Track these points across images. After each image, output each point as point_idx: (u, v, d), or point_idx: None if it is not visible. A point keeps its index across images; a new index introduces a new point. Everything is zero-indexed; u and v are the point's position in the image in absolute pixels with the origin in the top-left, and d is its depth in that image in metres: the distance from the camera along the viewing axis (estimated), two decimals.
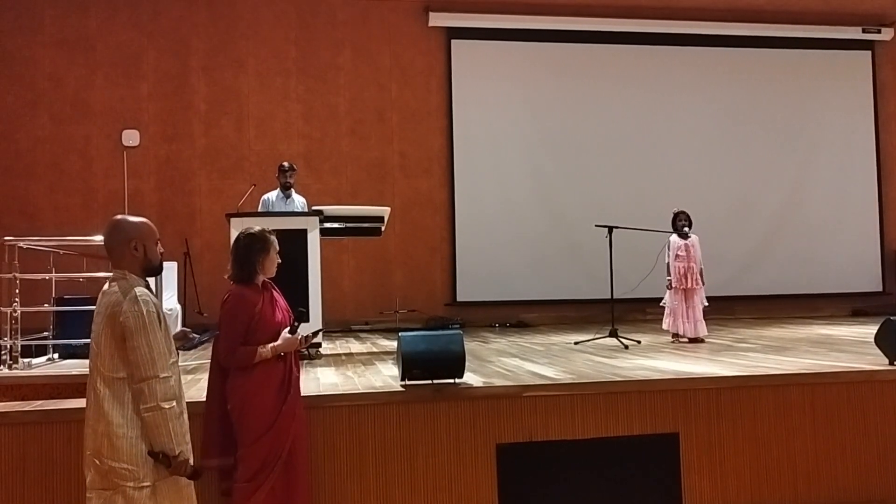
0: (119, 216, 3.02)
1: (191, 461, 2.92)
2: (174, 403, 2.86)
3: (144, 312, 2.81)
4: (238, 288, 3.62)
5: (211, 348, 3.74)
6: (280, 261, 3.76)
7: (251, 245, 3.66)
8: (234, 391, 3.54)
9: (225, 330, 3.56)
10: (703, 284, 7.25)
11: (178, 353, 3.08)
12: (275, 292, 3.77)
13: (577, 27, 10.73)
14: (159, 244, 3.03)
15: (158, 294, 5.45)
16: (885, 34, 11.56)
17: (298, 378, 3.74)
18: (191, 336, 3.31)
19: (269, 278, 3.76)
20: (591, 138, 10.80)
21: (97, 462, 2.78)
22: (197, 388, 4.53)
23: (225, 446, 3.60)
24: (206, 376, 3.86)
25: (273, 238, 3.73)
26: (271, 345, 3.56)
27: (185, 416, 2.96)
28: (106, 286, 2.94)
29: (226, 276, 3.71)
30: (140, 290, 2.86)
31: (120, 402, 2.79)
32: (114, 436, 2.77)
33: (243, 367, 3.53)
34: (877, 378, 4.81)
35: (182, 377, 5.09)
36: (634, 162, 10.84)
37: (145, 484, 2.77)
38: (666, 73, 11.04)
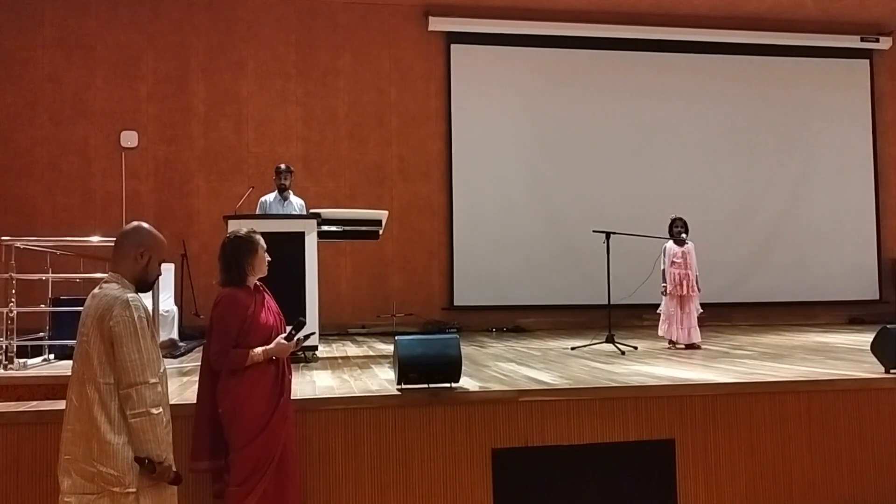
0: (144, 223, 3.06)
1: (173, 468, 2.91)
2: (162, 410, 2.85)
3: (135, 318, 2.80)
4: (230, 290, 3.60)
5: (202, 352, 3.72)
6: (269, 259, 3.75)
7: (238, 247, 3.65)
8: (226, 394, 3.52)
9: (217, 332, 3.54)
10: (700, 291, 7.26)
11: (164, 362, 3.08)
12: (266, 295, 3.75)
13: (576, 33, 10.76)
14: (161, 266, 3.07)
15: (155, 295, 5.46)
16: (884, 43, 11.60)
17: (290, 381, 3.73)
18: (178, 345, 3.32)
19: (261, 281, 3.75)
20: (590, 144, 10.82)
21: (84, 466, 2.76)
22: (192, 391, 4.52)
23: (215, 448, 3.59)
24: None
25: (259, 238, 3.72)
26: (263, 348, 3.54)
27: (170, 425, 2.95)
28: (97, 289, 2.93)
29: (214, 282, 3.68)
30: (131, 296, 2.85)
31: (108, 407, 2.78)
32: (102, 441, 2.76)
33: (234, 370, 3.52)
34: (873, 386, 4.81)
35: (178, 379, 5.12)
36: (632, 168, 10.86)
37: (130, 490, 2.76)
38: (664, 79, 11.06)
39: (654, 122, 10.98)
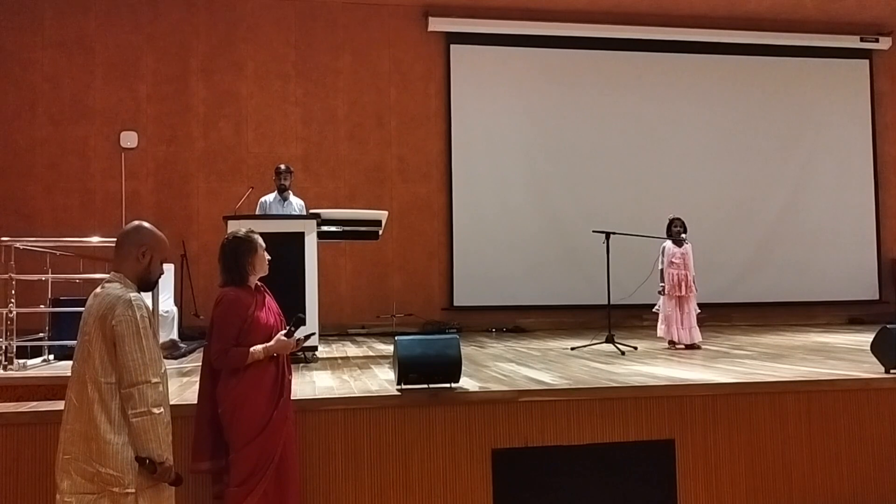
0: (144, 222, 3.06)
1: (174, 468, 2.91)
2: (163, 409, 2.85)
3: (138, 318, 2.80)
4: (231, 290, 3.61)
5: (202, 352, 3.73)
6: (269, 258, 3.76)
7: (238, 248, 3.66)
8: (226, 393, 3.52)
9: (217, 331, 3.54)
10: (696, 291, 7.27)
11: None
12: (267, 296, 3.76)
13: (576, 33, 10.77)
14: (163, 265, 3.08)
15: (155, 296, 5.46)
16: (883, 43, 11.61)
17: (291, 381, 3.73)
18: (179, 345, 3.31)
19: (262, 282, 3.76)
20: (590, 144, 10.83)
21: (84, 466, 2.76)
22: (192, 391, 4.52)
23: (216, 449, 3.58)
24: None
25: (258, 237, 3.73)
26: (263, 346, 3.55)
27: (171, 425, 2.95)
28: (99, 288, 2.93)
29: (219, 285, 3.69)
30: (133, 295, 2.86)
31: (108, 406, 2.78)
32: (102, 440, 2.75)
33: (235, 369, 3.52)
34: (872, 386, 4.81)
35: (178, 379, 5.12)
36: (632, 168, 10.87)
37: (130, 490, 2.76)
38: (664, 79, 11.07)
39: (653, 122, 10.98)
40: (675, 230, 7.34)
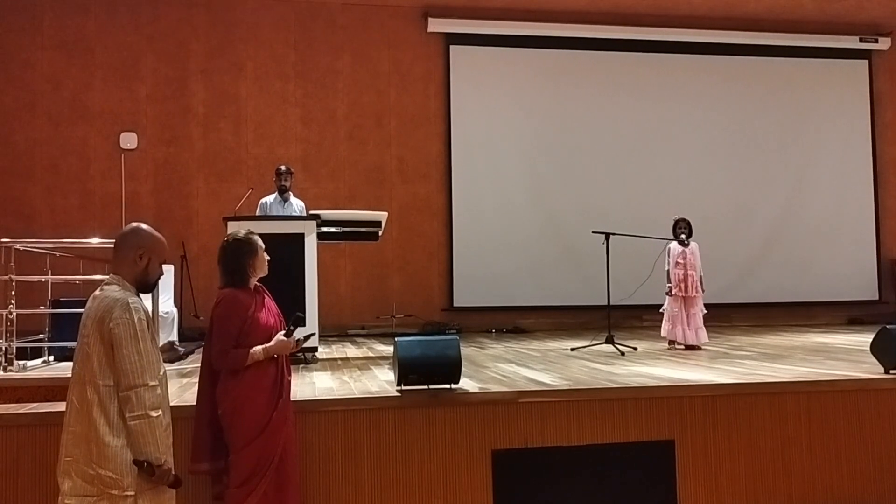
0: (142, 224, 3.05)
1: (173, 471, 2.91)
2: (161, 412, 2.85)
3: (135, 321, 2.80)
4: (231, 290, 3.62)
5: (202, 353, 3.73)
6: (269, 258, 3.77)
7: (238, 249, 3.67)
8: (226, 394, 3.53)
9: (217, 332, 3.55)
10: (703, 292, 7.26)
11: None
12: (266, 296, 3.77)
13: (575, 34, 10.77)
14: (162, 266, 3.07)
15: (155, 297, 5.46)
16: (882, 44, 11.61)
17: (290, 383, 3.73)
18: (177, 349, 3.31)
19: (261, 283, 3.77)
20: (589, 145, 10.83)
21: (84, 468, 2.76)
22: (192, 393, 4.52)
23: (215, 450, 3.59)
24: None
25: (258, 239, 3.74)
26: (263, 346, 3.56)
27: (170, 428, 2.95)
28: (98, 291, 2.93)
29: (219, 286, 3.70)
30: (132, 298, 2.85)
31: (107, 409, 2.77)
32: (101, 443, 2.75)
33: (235, 370, 3.52)
34: (872, 386, 4.82)
35: (177, 380, 5.12)
36: (632, 168, 10.87)
37: (129, 493, 2.76)
38: (664, 80, 11.07)
39: (653, 123, 10.99)
40: (680, 231, 7.33)
